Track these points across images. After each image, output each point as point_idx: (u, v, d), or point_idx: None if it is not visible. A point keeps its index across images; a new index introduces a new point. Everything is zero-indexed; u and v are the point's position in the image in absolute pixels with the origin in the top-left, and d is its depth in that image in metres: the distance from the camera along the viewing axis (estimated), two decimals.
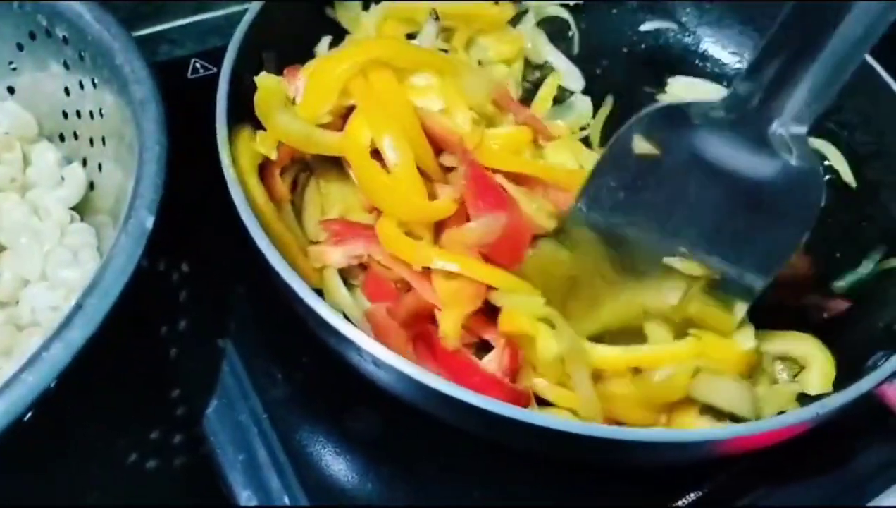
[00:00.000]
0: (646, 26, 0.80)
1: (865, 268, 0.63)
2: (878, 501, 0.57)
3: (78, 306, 0.43)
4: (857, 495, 0.57)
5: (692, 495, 0.55)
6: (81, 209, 0.61)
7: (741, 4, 0.77)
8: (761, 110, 0.48)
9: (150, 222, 0.47)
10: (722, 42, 0.79)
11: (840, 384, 0.50)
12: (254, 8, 0.62)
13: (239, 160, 0.55)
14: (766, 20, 0.76)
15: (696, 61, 0.79)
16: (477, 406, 0.43)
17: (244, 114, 0.58)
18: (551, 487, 0.55)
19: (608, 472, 0.54)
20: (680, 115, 0.51)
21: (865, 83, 0.68)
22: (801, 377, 0.56)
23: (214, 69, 0.73)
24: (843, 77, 0.46)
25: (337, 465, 0.53)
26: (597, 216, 0.56)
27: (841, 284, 0.64)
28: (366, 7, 0.72)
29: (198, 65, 0.74)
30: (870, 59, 0.68)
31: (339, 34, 0.71)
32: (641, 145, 0.53)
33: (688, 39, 0.80)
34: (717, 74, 0.79)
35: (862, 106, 0.69)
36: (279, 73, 0.62)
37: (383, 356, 0.44)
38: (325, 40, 0.70)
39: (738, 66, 0.79)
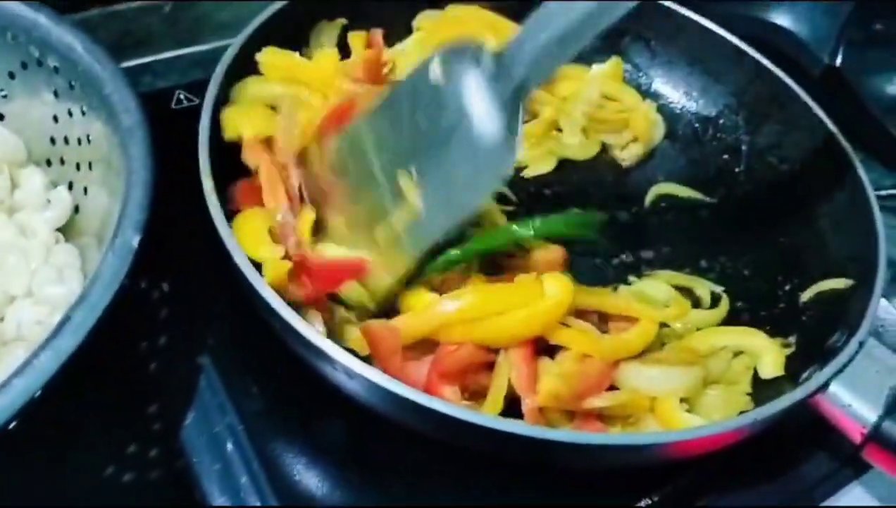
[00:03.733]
0: (597, 68, 0.85)
1: (807, 295, 0.67)
2: (827, 503, 0.61)
3: (67, 318, 0.46)
4: (808, 498, 0.61)
5: (651, 498, 0.58)
6: (66, 231, 0.63)
7: (689, 48, 0.83)
8: (510, 72, 0.53)
9: (136, 241, 0.50)
10: (672, 82, 0.85)
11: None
12: (235, 44, 0.66)
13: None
14: (711, 64, 0.82)
15: (648, 100, 0.84)
16: (443, 413, 0.46)
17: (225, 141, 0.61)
18: (516, 491, 0.58)
19: (571, 477, 0.57)
20: (469, 53, 0.55)
21: (803, 121, 0.74)
22: (757, 365, 0.61)
23: (197, 100, 0.77)
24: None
25: (309, 474, 0.56)
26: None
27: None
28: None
29: (181, 96, 0.78)
30: (807, 98, 0.74)
31: None
32: (435, 72, 0.56)
33: (641, 79, 0.86)
34: (667, 111, 0.84)
35: (801, 142, 0.75)
36: None
37: (356, 367, 0.48)
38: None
39: (686, 102, 0.84)
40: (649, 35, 0.85)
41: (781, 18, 0.97)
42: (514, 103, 0.53)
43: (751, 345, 0.62)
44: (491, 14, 0.81)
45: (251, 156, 0.63)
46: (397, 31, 0.80)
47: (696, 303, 0.68)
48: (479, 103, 0.53)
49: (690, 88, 0.84)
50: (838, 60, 0.93)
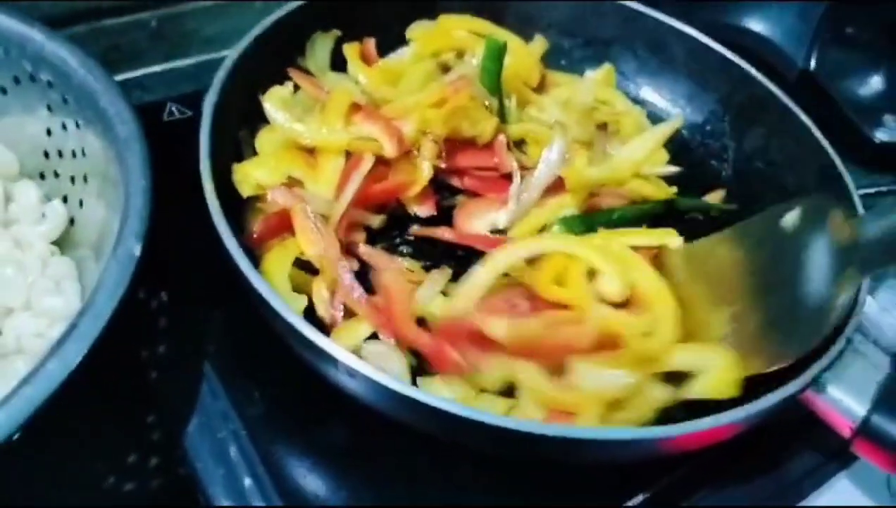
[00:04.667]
0: (589, 74, 0.87)
1: None
2: (810, 500, 0.62)
3: (73, 327, 0.46)
4: (794, 495, 0.63)
5: (641, 496, 0.59)
6: (62, 244, 0.64)
7: (675, 57, 0.85)
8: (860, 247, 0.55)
9: (137, 250, 0.51)
10: (659, 90, 0.87)
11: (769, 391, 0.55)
12: (233, 54, 0.67)
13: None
14: (696, 71, 0.84)
15: (637, 107, 0.86)
16: (441, 409, 0.47)
17: (223, 151, 0.62)
18: (511, 490, 0.59)
19: (564, 476, 0.58)
20: (828, 212, 0.57)
21: (788, 127, 0.76)
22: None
23: (190, 112, 0.78)
24: None
25: (313, 475, 0.56)
26: None
27: None
28: None
29: (173, 108, 0.78)
30: (792, 104, 0.76)
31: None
32: (790, 219, 0.59)
33: (629, 87, 0.88)
34: (655, 118, 0.86)
35: (786, 147, 0.77)
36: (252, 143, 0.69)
37: (358, 366, 0.48)
38: (289, 85, 0.75)
39: (673, 109, 0.86)
40: (636, 44, 0.87)
41: (756, 24, 0.99)
42: (852, 277, 0.55)
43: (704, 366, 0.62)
44: (482, 22, 0.83)
45: (275, 204, 0.65)
46: (390, 41, 0.81)
47: None
48: (818, 266, 0.55)
49: (677, 95, 0.86)
50: (812, 64, 0.96)
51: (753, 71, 0.80)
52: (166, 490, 0.58)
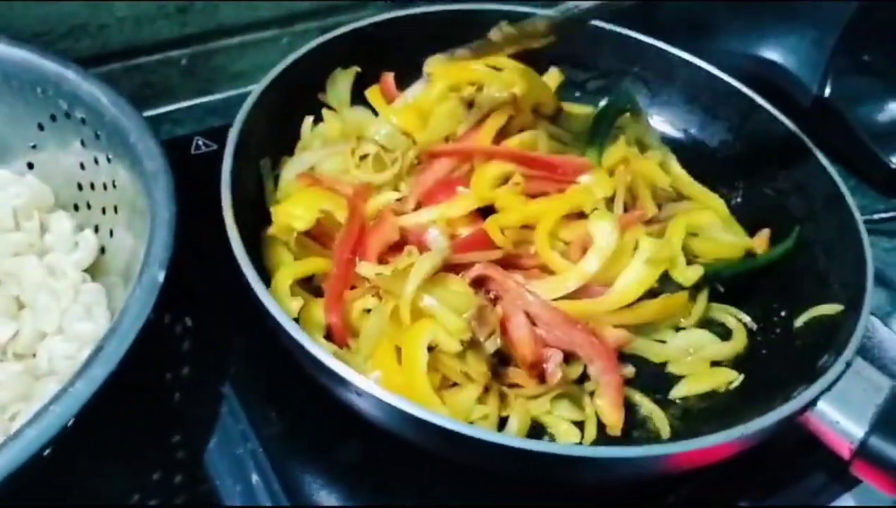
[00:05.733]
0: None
1: (800, 320, 0.70)
2: None
3: (99, 348, 0.49)
4: None
5: None
6: (93, 271, 0.67)
7: (686, 87, 0.87)
8: None
9: (161, 277, 0.54)
10: (671, 120, 0.89)
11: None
12: (256, 91, 0.70)
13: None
14: (707, 101, 0.86)
15: None
16: (449, 429, 0.49)
17: (245, 183, 0.66)
18: None
19: (574, 494, 0.59)
20: None
21: (796, 155, 0.77)
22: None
23: (215, 146, 0.81)
24: None
25: (327, 492, 0.59)
26: None
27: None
28: None
29: (200, 142, 0.82)
30: (799, 132, 0.78)
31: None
32: None
33: None
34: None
35: (794, 174, 0.78)
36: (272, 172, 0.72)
37: (365, 386, 0.51)
38: (308, 120, 0.79)
39: (684, 139, 0.88)
40: (647, 75, 0.89)
41: (770, 52, 1.01)
42: None
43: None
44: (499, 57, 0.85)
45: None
46: (409, 75, 0.83)
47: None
48: None
49: (689, 125, 0.88)
50: (827, 91, 0.97)
51: (761, 100, 0.82)
52: (189, 506, 0.60)
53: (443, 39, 0.79)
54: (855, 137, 0.95)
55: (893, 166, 0.94)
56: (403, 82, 0.84)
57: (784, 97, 0.88)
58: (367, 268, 0.65)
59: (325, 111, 0.79)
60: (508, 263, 0.68)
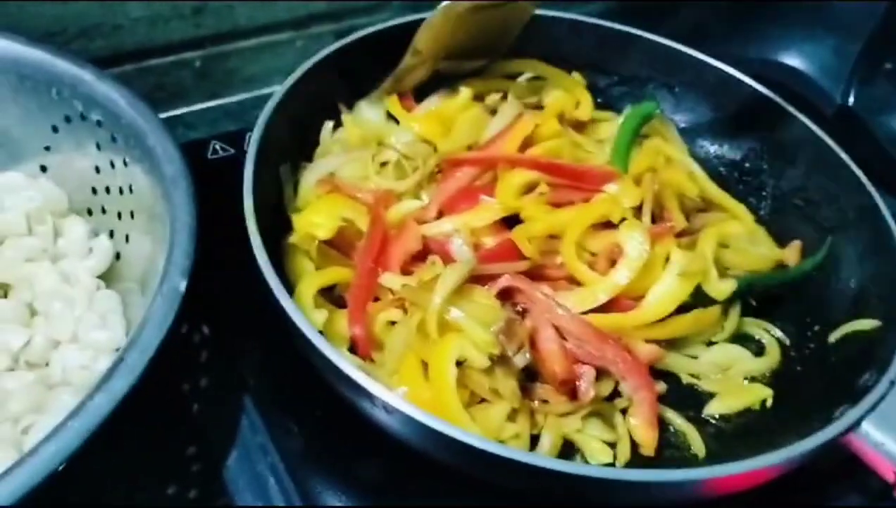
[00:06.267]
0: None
1: (835, 335, 0.68)
2: None
3: (120, 360, 0.48)
4: None
5: None
6: (108, 277, 0.65)
7: (712, 94, 0.85)
8: None
9: (182, 286, 0.52)
10: (697, 127, 0.87)
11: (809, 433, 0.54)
12: (277, 95, 0.69)
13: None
14: (734, 109, 0.84)
15: None
16: (478, 448, 0.47)
17: (265, 189, 0.64)
18: None
19: None
20: None
21: (827, 164, 0.76)
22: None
23: (233, 150, 0.80)
24: None
25: None
26: None
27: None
28: None
29: (217, 146, 0.80)
30: (830, 141, 0.76)
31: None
32: None
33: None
34: (692, 155, 0.85)
35: (825, 184, 0.76)
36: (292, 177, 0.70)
37: (394, 402, 0.49)
38: (328, 125, 0.77)
39: (710, 147, 0.87)
40: (672, 81, 0.87)
41: (793, 59, 0.99)
42: None
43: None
44: (527, 62, 0.85)
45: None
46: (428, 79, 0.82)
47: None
48: None
49: (716, 133, 0.86)
50: (850, 99, 0.95)
51: (792, 109, 0.80)
52: None
53: None
54: (879, 146, 0.93)
55: None
56: (423, 87, 0.82)
57: (806, 105, 0.86)
58: (391, 279, 0.63)
59: (344, 116, 0.78)
60: (534, 274, 0.66)
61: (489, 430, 0.57)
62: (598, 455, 0.60)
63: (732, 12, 1.02)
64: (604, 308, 0.64)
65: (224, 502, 0.58)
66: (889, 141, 0.93)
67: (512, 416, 0.59)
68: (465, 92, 0.79)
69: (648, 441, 0.60)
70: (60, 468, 0.44)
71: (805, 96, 0.95)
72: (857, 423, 0.54)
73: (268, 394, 0.63)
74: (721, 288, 0.67)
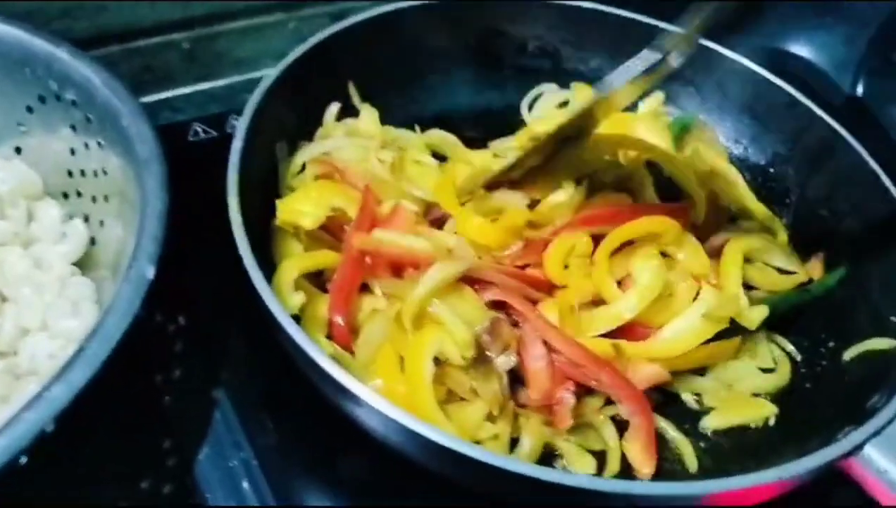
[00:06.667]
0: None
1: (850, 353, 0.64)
2: None
3: (80, 350, 0.45)
4: None
5: None
6: (82, 264, 0.63)
7: (737, 94, 0.83)
8: None
9: (150, 273, 0.50)
10: (722, 129, 0.84)
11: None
12: (272, 74, 0.66)
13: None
14: (760, 111, 0.81)
15: None
16: (445, 446, 0.45)
17: (254, 169, 0.61)
18: None
19: None
20: None
21: (855, 173, 0.72)
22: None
23: (215, 133, 0.77)
24: None
25: None
26: None
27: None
28: None
29: (198, 128, 0.78)
30: (858, 146, 0.72)
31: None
32: None
33: None
34: None
35: (852, 195, 0.72)
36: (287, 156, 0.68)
37: (361, 393, 0.47)
38: (333, 107, 0.74)
39: (735, 150, 0.83)
40: (697, 80, 0.83)
41: (801, 49, 0.97)
42: None
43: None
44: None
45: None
46: (430, 66, 0.81)
47: None
48: None
49: (739, 134, 0.83)
50: (860, 89, 0.93)
51: (823, 114, 0.76)
52: None
53: (465, 27, 0.75)
54: (887, 137, 0.90)
55: None
56: (422, 74, 0.79)
57: (813, 95, 0.83)
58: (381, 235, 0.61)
59: (363, 106, 0.75)
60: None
61: (465, 429, 0.55)
62: (578, 465, 0.57)
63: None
64: (613, 333, 0.62)
65: (196, 500, 0.56)
66: None
67: (492, 417, 0.56)
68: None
69: (645, 467, 0.57)
70: (22, 461, 0.42)
71: (814, 87, 0.93)
72: (860, 446, 0.51)
73: (244, 388, 0.60)
74: (753, 317, 0.63)
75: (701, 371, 0.65)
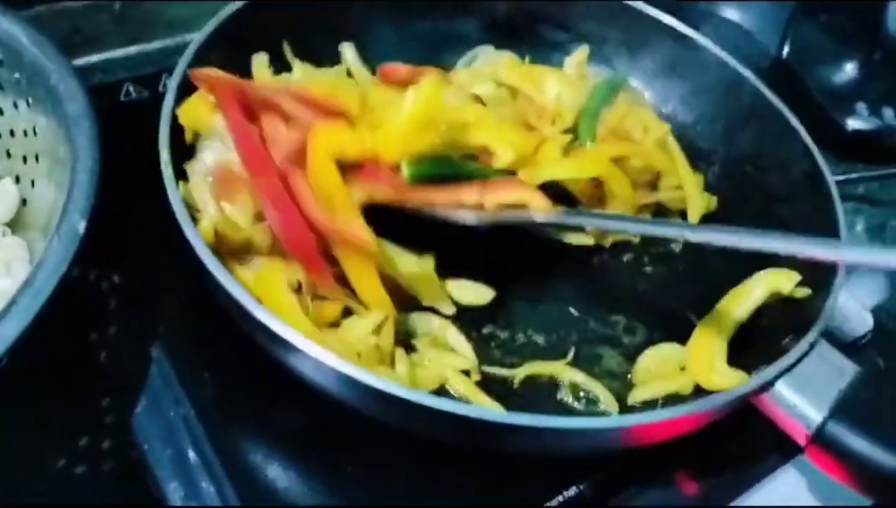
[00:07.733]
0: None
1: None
2: (740, 501, 0.59)
3: (11, 303, 0.45)
4: (723, 497, 0.60)
5: (564, 495, 0.57)
6: (14, 225, 0.63)
7: (667, 55, 0.84)
8: None
9: (81, 227, 0.50)
10: (652, 89, 0.85)
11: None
12: (202, 32, 0.66)
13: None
14: (690, 71, 0.83)
15: None
16: (378, 389, 0.46)
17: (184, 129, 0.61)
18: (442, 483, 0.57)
19: (490, 472, 0.56)
20: None
21: (779, 132, 0.74)
22: None
23: (147, 92, 0.76)
24: None
25: (263, 460, 0.55)
26: None
27: None
28: None
29: (130, 88, 0.77)
30: (782, 105, 0.75)
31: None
32: None
33: None
34: None
35: (775, 152, 0.75)
36: None
37: (302, 345, 0.47)
38: (261, 57, 0.72)
39: (664, 109, 0.85)
40: (631, 41, 0.84)
41: (729, 11, 0.99)
42: None
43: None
44: None
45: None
46: (371, 31, 0.79)
47: None
48: None
49: (668, 94, 0.84)
50: (785, 51, 0.96)
51: (748, 73, 0.78)
52: (118, 473, 0.56)
53: None
54: (812, 99, 0.93)
55: (849, 129, 0.92)
56: (364, 37, 0.79)
57: (741, 58, 0.85)
58: None
59: (297, 63, 0.74)
60: None
61: (345, 344, 0.56)
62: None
63: None
64: None
65: (136, 454, 0.56)
66: (821, 93, 0.94)
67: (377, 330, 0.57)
68: None
69: None
70: None
71: (741, 49, 0.95)
72: (771, 383, 0.53)
73: (179, 341, 0.61)
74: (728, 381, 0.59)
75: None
